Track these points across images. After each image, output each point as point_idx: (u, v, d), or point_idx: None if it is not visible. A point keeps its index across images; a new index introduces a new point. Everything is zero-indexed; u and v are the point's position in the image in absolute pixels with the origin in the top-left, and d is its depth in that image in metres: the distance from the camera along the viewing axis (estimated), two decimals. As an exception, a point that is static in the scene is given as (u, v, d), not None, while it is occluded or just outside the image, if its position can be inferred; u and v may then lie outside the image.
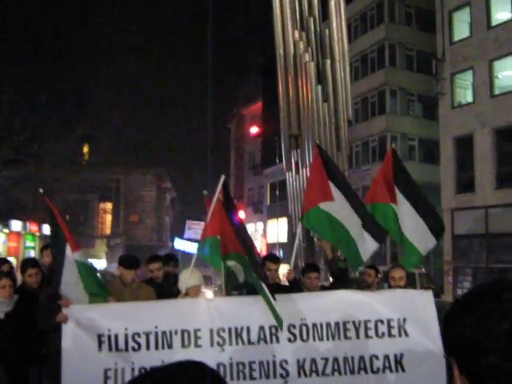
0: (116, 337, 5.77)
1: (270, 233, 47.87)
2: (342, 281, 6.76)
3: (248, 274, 6.11)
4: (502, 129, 24.21)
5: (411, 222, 6.42)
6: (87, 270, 6.22)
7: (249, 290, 6.42)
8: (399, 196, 6.47)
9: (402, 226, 6.41)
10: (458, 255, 25.77)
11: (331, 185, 6.42)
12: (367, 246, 6.19)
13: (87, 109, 40.32)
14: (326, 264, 7.31)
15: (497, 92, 25.02)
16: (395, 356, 5.85)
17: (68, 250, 6.07)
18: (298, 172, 24.65)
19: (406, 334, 5.88)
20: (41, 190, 6.82)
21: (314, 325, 5.89)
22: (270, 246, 45.40)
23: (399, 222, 6.46)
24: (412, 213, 6.43)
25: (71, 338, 5.72)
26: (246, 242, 6.19)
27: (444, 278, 25.79)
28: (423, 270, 19.90)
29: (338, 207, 6.34)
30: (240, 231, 6.30)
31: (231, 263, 6.32)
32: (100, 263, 35.08)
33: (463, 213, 25.49)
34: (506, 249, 23.70)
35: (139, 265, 6.83)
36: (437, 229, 6.55)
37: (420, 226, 6.40)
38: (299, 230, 7.14)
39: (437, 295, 15.97)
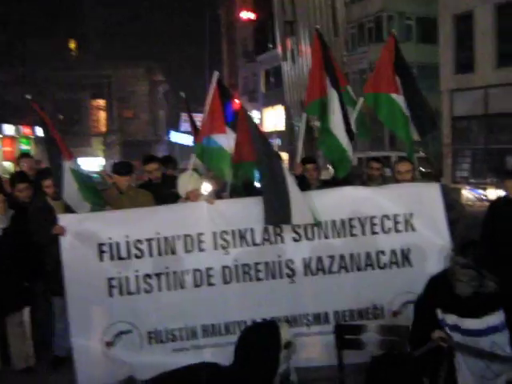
0: (117, 245, 5.68)
1: (266, 121, 47.38)
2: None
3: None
4: (503, 4, 23.13)
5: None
6: (82, 179, 6.02)
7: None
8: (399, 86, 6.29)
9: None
10: (457, 137, 25.55)
11: (327, 79, 6.28)
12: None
13: (70, 3, 38.46)
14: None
15: (499, -36, 23.69)
16: (402, 251, 5.78)
17: (63, 158, 5.86)
18: (293, 60, 23.85)
19: (413, 229, 5.77)
20: (28, 97, 6.42)
21: (319, 223, 5.77)
22: (268, 135, 45.14)
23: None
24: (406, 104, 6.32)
25: (70, 249, 5.62)
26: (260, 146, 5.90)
27: (443, 160, 25.72)
28: (421, 153, 19.77)
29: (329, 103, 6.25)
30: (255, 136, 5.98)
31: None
32: (98, 161, 35.00)
33: (462, 93, 24.97)
34: (505, 129, 23.46)
35: (133, 170, 6.64)
36: (428, 126, 6.45)
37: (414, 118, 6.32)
38: (303, 123, 6.93)
39: (436, 178, 15.97)
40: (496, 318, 4.24)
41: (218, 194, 6.44)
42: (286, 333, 3.11)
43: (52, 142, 5.95)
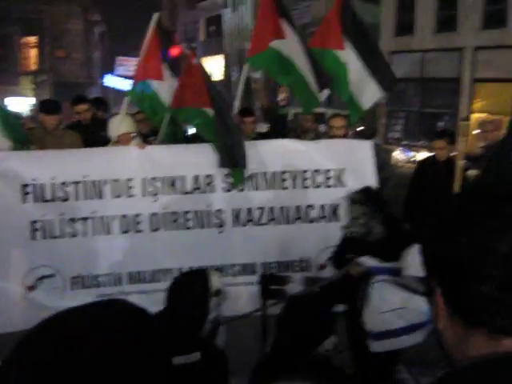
0: (42, 187, 5.46)
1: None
2: (280, 128, 6.55)
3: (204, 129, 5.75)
4: (446, -32, 23.35)
5: (357, 73, 6.08)
6: (5, 115, 5.72)
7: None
8: (347, 43, 6.05)
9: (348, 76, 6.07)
10: (393, 99, 25.94)
11: (284, 22, 5.93)
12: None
13: None
14: (262, 110, 7.03)
15: None
16: (331, 206, 5.85)
17: None
18: (234, 9, 23.37)
19: (343, 185, 5.83)
20: None
21: (251, 175, 5.74)
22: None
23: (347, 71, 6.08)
24: (358, 62, 6.07)
25: None
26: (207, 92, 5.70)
27: (377, 120, 26.12)
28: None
29: (290, 45, 5.90)
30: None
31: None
32: (27, 101, 33.58)
33: (401, 56, 25.23)
34: (440, 94, 23.98)
35: (60, 109, 6.37)
36: (388, 80, 6.22)
37: (365, 78, 6.07)
38: (245, 73, 6.68)
39: (369, 138, 16.24)
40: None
41: (145, 139, 6.27)
42: (216, 281, 3.09)
43: None
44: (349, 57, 6.06)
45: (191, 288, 3.03)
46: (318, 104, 6.14)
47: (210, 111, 5.60)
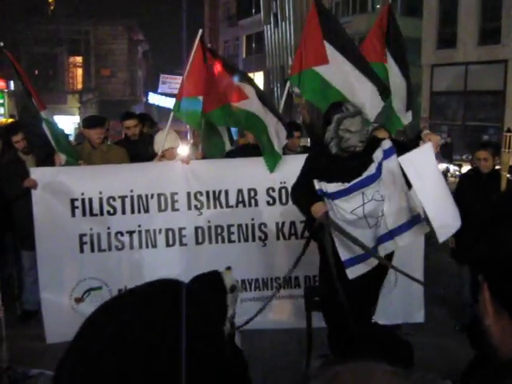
0: (90, 201, 5.61)
1: (246, 87, 47.02)
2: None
3: (244, 121, 5.80)
4: (489, -19, 23.11)
5: (398, 84, 6.09)
6: (56, 130, 5.91)
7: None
8: (389, 57, 6.07)
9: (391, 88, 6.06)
10: (435, 112, 25.69)
11: (327, 45, 5.93)
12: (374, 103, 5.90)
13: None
14: (304, 124, 7.02)
15: None
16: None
17: (37, 108, 5.73)
18: (276, 25, 23.56)
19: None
20: (1, 44, 6.20)
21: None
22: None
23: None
24: (399, 75, 6.09)
25: (42, 203, 5.55)
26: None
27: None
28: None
29: (334, 70, 5.87)
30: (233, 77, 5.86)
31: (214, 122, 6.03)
32: (73, 119, 34.41)
33: (443, 69, 25.01)
34: (483, 107, 23.64)
35: (103, 122, 6.53)
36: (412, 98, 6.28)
37: (403, 89, 6.10)
38: (287, 89, 6.72)
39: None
40: (367, 172, 4.33)
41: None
42: (229, 278, 3.11)
43: (24, 94, 5.81)
44: (390, 69, 6.08)
45: (207, 287, 3.05)
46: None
47: (241, 104, 5.66)
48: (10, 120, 7.96)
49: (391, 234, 4.40)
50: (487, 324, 1.08)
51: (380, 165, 4.39)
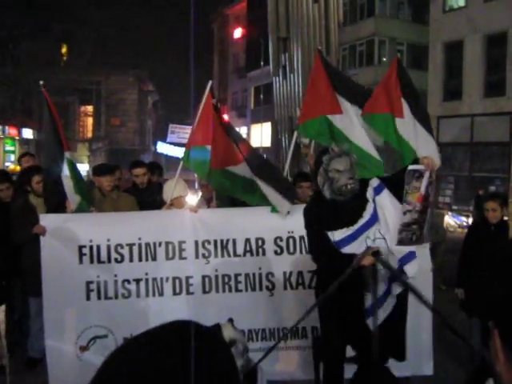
0: (98, 248, 5.62)
1: (253, 137, 47.51)
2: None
3: (245, 186, 5.82)
4: (493, 35, 23.56)
5: (421, 137, 5.94)
6: (76, 171, 5.97)
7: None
8: (406, 110, 5.96)
9: (409, 137, 5.90)
10: (442, 163, 25.65)
11: (338, 95, 6.02)
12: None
13: (65, 6, 38.44)
14: (312, 175, 6.99)
15: (491, -4, 24.12)
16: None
17: (60, 148, 5.81)
18: (285, 77, 23.99)
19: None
20: (41, 82, 6.19)
21: (302, 237, 5.76)
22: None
23: (401, 133, 5.92)
24: (420, 129, 5.94)
25: (50, 250, 5.55)
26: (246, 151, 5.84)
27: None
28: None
29: (347, 120, 5.93)
30: (238, 139, 5.94)
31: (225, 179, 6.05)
32: (83, 168, 34.75)
33: (449, 120, 25.27)
34: (490, 158, 23.75)
35: (113, 170, 6.62)
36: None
37: (430, 142, 5.97)
38: (295, 139, 6.78)
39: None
40: (367, 213, 4.35)
41: (208, 204, 6.44)
42: (229, 331, 3.08)
43: (50, 133, 5.87)
44: (407, 124, 5.86)
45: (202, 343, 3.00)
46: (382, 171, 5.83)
47: (238, 168, 5.72)
48: (24, 158, 8.06)
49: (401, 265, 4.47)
50: (498, 370, 1.08)
51: (374, 202, 4.47)
